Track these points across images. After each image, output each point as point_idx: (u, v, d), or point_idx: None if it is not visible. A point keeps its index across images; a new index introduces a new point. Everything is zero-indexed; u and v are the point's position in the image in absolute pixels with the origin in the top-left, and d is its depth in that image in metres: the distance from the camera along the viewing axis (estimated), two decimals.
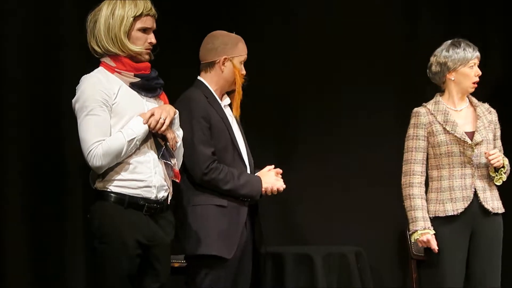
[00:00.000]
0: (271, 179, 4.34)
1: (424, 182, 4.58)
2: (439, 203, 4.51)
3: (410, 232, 4.55)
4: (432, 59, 4.65)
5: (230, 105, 4.41)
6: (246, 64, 4.38)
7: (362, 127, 5.98)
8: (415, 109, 4.64)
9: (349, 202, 5.92)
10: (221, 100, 4.36)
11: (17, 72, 4.71)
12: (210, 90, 4.32)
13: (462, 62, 4.56)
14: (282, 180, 4.38)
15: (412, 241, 4.57)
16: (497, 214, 4.54)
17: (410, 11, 6.15)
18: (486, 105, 4.69)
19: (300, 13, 6.00)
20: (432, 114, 4.58)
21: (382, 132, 5.97)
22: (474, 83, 4.58)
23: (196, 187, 4.22)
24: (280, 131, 6.00)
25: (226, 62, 4.30)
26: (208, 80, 4.34)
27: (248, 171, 4.35)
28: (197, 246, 4.17)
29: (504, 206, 4.61)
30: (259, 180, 4.31)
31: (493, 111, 4.68)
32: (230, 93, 4.41)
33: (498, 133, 4.67)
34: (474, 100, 4.68)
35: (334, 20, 6.01)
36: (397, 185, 5.85)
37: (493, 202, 4.54)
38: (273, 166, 4.39)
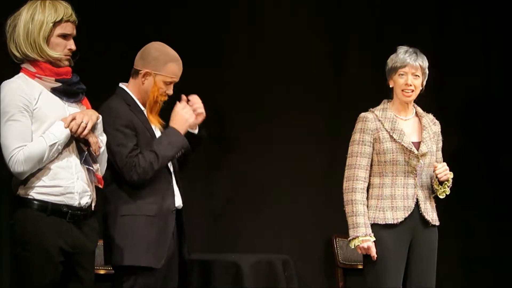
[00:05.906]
0: (184, 117, 4.31)
1: (366, 188, 4.46)
2: (379, 210, 4.41)
3: (350, 238, 4.41)
4: None
5: None
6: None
7: (290, 135, 6.02)
8: (363, 114, 4.52)
9: (277, 210, 5.96)
10: (144, 107, 4.35)
11: None
12: (132, 98, 4.31)
13: (394, 70, 4.49)
14: (191, 108, 4.34)
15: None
16: (434, 225, 4.50)
17: (340, 35, 6.23)
18: (431, 116, 4.62)
19: (234, 32, 6.07)
20: (379, 120, 4.47)
21: (310, 140, 6.03)
22: (403, 91, 4.48)
23: (125, 196, 4.20)
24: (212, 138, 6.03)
25: (148, 76, 4.28)
26: (130, 87, 4.33)
27: (173, 176, 4.33)
28: (126, 257, 4.15)
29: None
30: (176, 131, 4.27)
31: (437, 122, 4.62)
32: None
33: (440, 144, 4.60)
34: (420, 110, 4.60)
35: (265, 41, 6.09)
36: (324, 194, 5.88)
37: (432, 214, 4.49)
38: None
